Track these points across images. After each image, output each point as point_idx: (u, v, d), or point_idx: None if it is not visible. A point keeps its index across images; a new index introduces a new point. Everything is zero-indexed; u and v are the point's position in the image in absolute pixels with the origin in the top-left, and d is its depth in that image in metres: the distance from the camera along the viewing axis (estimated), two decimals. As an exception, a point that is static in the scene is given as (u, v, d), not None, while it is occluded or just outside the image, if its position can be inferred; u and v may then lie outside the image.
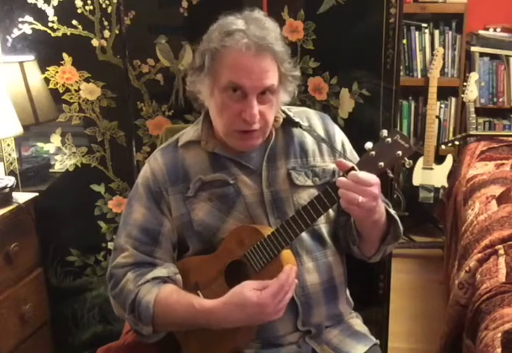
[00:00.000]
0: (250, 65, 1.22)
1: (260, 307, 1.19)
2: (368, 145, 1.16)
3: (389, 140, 1.14)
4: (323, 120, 1.43)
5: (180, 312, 1.27)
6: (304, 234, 1.33)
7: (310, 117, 1.42)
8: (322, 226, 1.37)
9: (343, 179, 1.15)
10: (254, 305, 1.18)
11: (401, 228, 1.35)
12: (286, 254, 1.26)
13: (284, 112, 1.38)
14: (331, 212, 1.39)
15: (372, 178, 1.15)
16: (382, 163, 1.15)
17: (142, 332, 1.31)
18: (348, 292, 1.47)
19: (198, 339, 1.37)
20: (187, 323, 1.28)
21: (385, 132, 1.15)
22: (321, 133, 1.40)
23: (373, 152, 1.15)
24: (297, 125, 1.38)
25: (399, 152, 1.14)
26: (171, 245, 1.37)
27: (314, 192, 1.33)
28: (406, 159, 1.15)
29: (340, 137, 1.43)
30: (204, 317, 1.24)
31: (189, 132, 1.40)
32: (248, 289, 1.20)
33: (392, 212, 1.34)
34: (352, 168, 1.17)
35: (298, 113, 1.41)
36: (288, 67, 1.28)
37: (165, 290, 1.29)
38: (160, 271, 1.32)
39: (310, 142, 1.38)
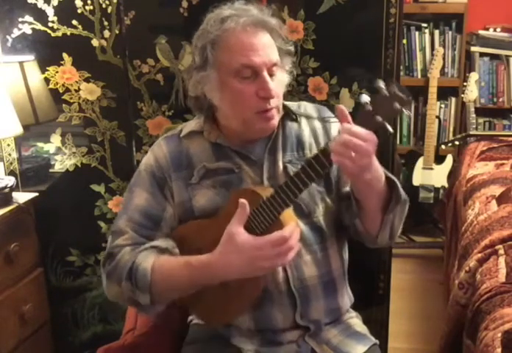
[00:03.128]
0: (255, 43, 1.24)
1: (255, 250, 1.17)
2: (365, 98, 1.10)
3: (386, 92, 1.08)
4: (319, 112, 1.43)
5: (179, 273, 1.26)
6: (303, 227, 1.32)
7: (307, 108, 1.43)
8: (321, 218, 1.37)
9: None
10: (251, 248, 1.17)
11: (402, 191, 1.28)
12: (287, 214, 1.25)
13: (283, 104, 1.38)
14: (329, 202, 1.37)
15: (366, 133, 1.10)
16: (380, 117, 1.09)
17: (139, 300, 1.29)
18: (348, 286, 1.46)
19: (205, 302, 1.35)
20: (188, 284, 1.26)
21: (381, 84, 1.09)
22: (318, 125, 1.40)
23: (370, 106, 1.09)
24: (295, 119, 1.38)
25: (398, 105, 1.08)
26: (170, 231, 1.38)
27: (312, 184, 1.33)
28: (404, 110, 1.09)
29: (336, 126, 1.40)
30: (203, 271, 1.23)
31: (191, 124, 1.41)
32: (240, 234, 1.19)
33: (391, 176, 1.28)
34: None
35: (295, 106, 1.41)
36: (282, 42, 1.30)
37: (163, 257, 1.29)
38: (159, 242, 1.33)
39: (306, 134, 1.39)
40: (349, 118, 1.12)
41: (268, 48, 1.26)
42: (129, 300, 1.32)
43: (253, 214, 1.26)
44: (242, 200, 1.21)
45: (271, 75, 1.27)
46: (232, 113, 1.31)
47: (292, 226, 1.21)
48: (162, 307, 1.33)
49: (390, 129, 1.11)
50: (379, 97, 1.09)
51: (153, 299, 1.28)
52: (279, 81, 1.29)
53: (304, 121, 1.40)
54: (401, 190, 1.28)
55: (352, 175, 1.18)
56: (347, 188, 1.37)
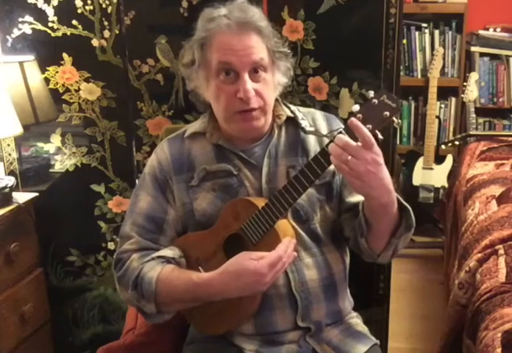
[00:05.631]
0: (234, 42, 1.25)
1: (256, 276, 1.19)
2: (355, 107, 1.13)
3: (375, 101, 1.11)
4: (328, 121, 1.43)
5: (181, 287, 1.27)
6: (301, 232, 1.33)
7: (315, 118, 1.42)
8: (318, 225, 1.37)
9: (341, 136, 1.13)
10: (251, 273, 1.19)
11: (413, 218, 1.29)
12: (282, 224, 1.26)
13: (293, 112, 1.39)
14: (328, 211, 1.38)
15: (366, 141, 1.10)
16: (370, 126, 1.11)
17: (144, 309, 1.31)
18: (348, 291, 1.47)
19: (202, 312, 1.36)
20: (189, 299, 1.28)
21: (371, 93, 1.12)
22: (326, 133, 1.39)
23: (360, 115, 1.12)
24: (303, 130, 1.37)
25: (387, 113, 1.11)
26: (175, 234, 1.39)
27: (312, 191, 1.33)
28: (394, 118, 1.12)
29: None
30: (203, 289, 1.25)
31: (195, 124, 1.43)
32: (244, 259, 1.21)
33: (404, 203, 1.28)
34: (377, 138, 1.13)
35: (304, 114, 1.41)
36: (275, 43, 1.31)
37: (168, 268, 1.30)
38: (165, 252, 1.34)
39: (312, 142, 1.39)
40: (364, 129, 1.10)
41: (250, 48, 1.26)
42: (137, 308, 1.34)
43: (248, 223, 1.27)
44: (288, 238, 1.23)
45: (256, 77, 1.27)
46: (217, 111, 1.33)
47: (287, 240, 1.22)
48: (169, 316, 1.34)
49: (381, 136, 1.13)
50: (368, 106, 1.12)
51: (158, 309, 1.30)
52: (266, 82, 1.29)
53: (311, 132, 1.39)
54: (413, 217, 1.28)
55: (351, 183, 1.17)
56: (351, 199, 1.37)
